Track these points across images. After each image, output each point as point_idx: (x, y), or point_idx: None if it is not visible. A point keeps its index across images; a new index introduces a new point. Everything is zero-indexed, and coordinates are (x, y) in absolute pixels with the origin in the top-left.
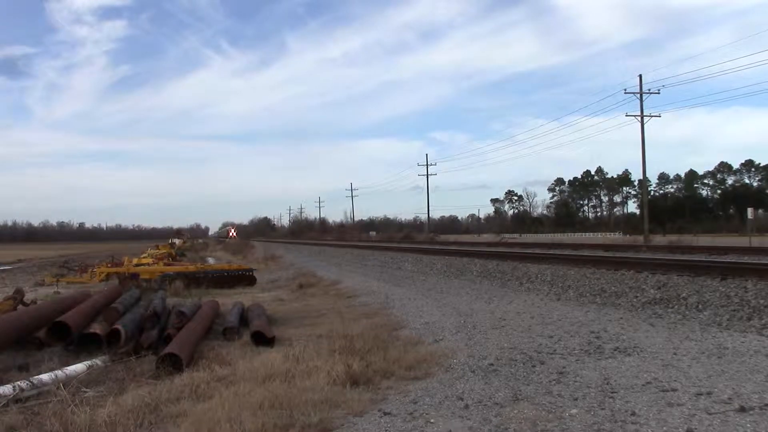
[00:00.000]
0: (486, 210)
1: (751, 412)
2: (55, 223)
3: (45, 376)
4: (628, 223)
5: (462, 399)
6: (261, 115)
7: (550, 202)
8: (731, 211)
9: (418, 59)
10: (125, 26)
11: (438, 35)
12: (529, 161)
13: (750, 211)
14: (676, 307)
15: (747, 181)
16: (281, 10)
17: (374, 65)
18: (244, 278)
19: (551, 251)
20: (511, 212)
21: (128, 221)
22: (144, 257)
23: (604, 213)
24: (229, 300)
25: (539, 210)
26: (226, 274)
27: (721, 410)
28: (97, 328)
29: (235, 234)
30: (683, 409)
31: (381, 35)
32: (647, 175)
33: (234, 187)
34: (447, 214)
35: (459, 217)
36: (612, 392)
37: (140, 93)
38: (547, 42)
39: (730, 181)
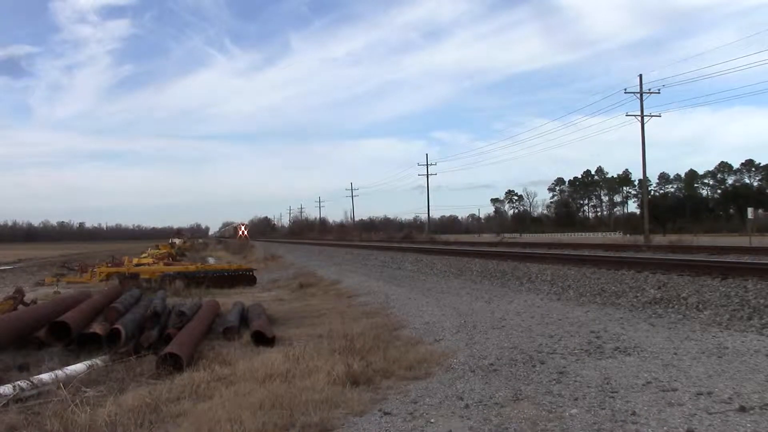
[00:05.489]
0: (486, 210)
1: (751, 411)
2: (55, 223)
3: (45, 376)
4: (629, 223)
5: (462, 399)
6: (262, 115)
7: (551, 202)
8: (731, 211)
9: (421, 59)
10: (129, 25)
11: (442, 35)
12: (530, 161)
13: (750, 211)
14: (676, 306)
15: (747, 180)
16: (285, 9)
17: (377, 65)
18: (244, 278)
19: (551, 251)
20: (511, 212)
21: (128, 221)
22: (144, 257)
23: (605, 213)
24: (229, 300)
25: (539, 210)
26: (226, 274)
27: (721, 410)
28: (97, 327)
29: (246, 233)
30: (683, 408)
31: (385, 35)
32: (648, 175)
33: (234, 187)
34: (447, 214)
35: (459, 217)
36: (612, 392)
37: (142, 93)
38: (550, 41)
39: (730, 180)
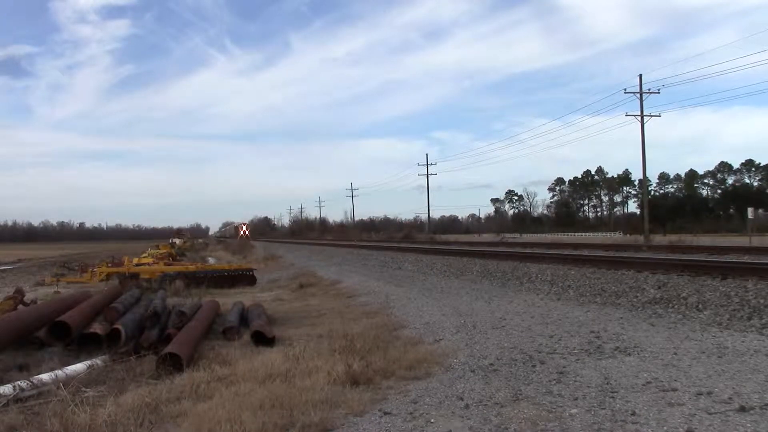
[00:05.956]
0: (486, 210)
1: (751, 411)
2: (55, 223)
3: (45, 376)
4: (629, 223)
5: (462, 399)
6: (263, 115)
7: (551, 202)
8: (731, 210)
9: (421, 59)
10: (129, 25)
11: (442, 35)
12: (530, 161)
13: (750, 211)
14: (676, 306)
15: (747, 180)
16: (286, 9)
17: (377, 65)
18: (244, 278)
19: (551, 251)
20: (511, 212)
21: (128, 221)
22: (144, 257)
23: (605, 213)
24: (229, 300)
25: (539, 210)
26: (226, 274)
27: (721, 410)
28: (97, 327)
29: (247, 232)
30: (683, 408)
31: (385, 34)
32: (648, 175)
33: (234, 187)
34: (447, 214)
35: (459, 217)
36: (612, 392)
37: (143, 93)
38: (550, 41)
39: (730, 180)
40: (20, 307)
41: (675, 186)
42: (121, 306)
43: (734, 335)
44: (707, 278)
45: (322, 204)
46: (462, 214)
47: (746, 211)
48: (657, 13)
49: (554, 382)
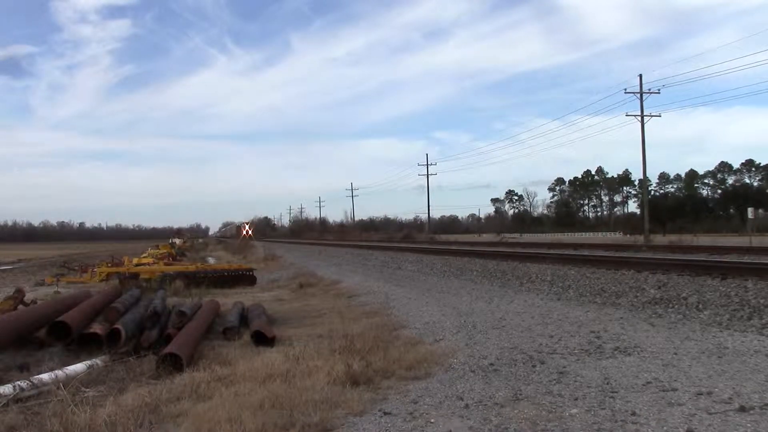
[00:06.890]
0: (486, 210)
1: (751, 411)
2: (55, 223)
3: (45, 376)
4: (629, 223)
5: (462, 399)
6: (263, 115)
7: (551, 202)
8: (731, 210)
9: (422, 59)
10: (129, 25)
11: (443, 34)
12: (530, 161)
13: (750, 211)
14: (676, 306)
15: (747, 180)
16: (286, 9)
17: (378, 65)
18: (244, 278)
19: (551, 251)
20: (511, 212)
21: (128, 221)
22: (144, 257)
23: (605, 213)
24: (229, 300)
25: (539, 210)
26: (226, 274)
27: (721, 410)
28: (97, 327)
29: (250, 232)
30: (683, 408)
31: (385, 34)
32: (648, 175)
33: (234, 187)
34: (447, 214)
35: (459, 217)
36: (612, 392)
37: (143, 92)
38: (551, 41)
39: (730, 180)
40: (20, 307)
41: (675, 186)
42: (121, 306)
43: (734, 335)
44: (707, 278)
45: (322, 204)
46: (462, 214)
47: (746, 211)
48: (657, 13)
49: (554, 382)
